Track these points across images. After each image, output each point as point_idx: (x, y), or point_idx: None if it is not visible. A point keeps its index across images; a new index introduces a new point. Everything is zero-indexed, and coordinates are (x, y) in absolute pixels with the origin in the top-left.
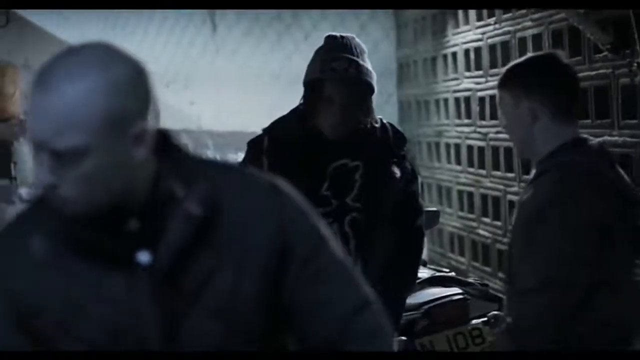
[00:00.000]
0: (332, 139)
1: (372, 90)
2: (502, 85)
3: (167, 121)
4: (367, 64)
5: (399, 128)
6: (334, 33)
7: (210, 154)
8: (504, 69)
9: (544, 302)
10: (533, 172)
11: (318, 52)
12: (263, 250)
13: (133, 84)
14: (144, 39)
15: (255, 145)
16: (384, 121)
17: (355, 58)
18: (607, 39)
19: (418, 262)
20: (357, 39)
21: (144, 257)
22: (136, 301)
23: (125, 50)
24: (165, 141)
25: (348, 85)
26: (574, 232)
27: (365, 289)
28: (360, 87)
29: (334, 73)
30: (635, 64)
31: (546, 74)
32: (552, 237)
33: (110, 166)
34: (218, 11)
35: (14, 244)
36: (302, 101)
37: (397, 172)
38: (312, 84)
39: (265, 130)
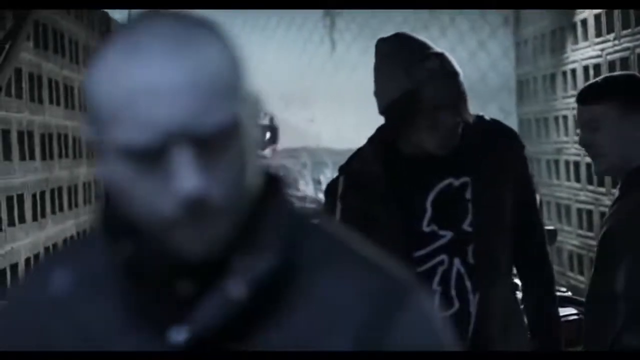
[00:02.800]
0: (442, 154)
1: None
2: (607, 97)
3: (288, 139)
4: None
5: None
6: (384, 36)
7: (329, 171)
8: (598, 81)
9: None
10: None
11: (388, 64)
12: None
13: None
14: (263, 58)
15: (329, 190)
16: (486, 117)
17: (439, 50)
18: None
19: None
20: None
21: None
22: None
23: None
24: (274, 181)
25: (451, 82)
26: None
27: None
28: (460, 80)
29: (432, 74)
30: None
31: None
32: None
33: (250, 157)
34: (336, 29)
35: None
36: (383, 127)
37: (512, 179)
38: (403, 100)
39: (340, 169)
